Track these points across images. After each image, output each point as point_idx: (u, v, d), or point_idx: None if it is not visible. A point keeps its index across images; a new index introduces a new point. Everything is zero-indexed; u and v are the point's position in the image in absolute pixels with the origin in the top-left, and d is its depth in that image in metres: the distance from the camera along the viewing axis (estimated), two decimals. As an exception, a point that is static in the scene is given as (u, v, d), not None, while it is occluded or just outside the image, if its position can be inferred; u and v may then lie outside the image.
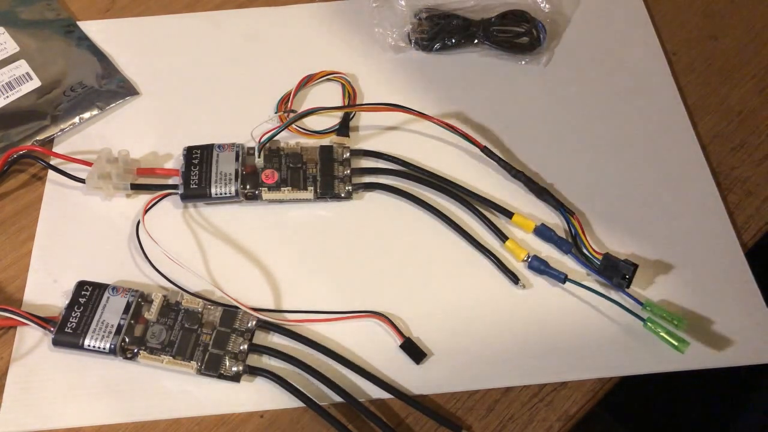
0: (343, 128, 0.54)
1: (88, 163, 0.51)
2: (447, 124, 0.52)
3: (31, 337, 0.46)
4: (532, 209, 0.51)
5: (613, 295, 0.46)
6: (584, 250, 0.48)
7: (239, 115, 0.55)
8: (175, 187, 0.51)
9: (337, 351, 0.45)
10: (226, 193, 0.50)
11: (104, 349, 0.43)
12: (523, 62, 0.59)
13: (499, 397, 0.44)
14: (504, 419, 0.44)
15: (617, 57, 0.59)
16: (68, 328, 0.44)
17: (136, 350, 0.44)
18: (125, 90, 0.57)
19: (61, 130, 0.55)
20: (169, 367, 0.44)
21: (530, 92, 0.57)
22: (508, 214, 0.50)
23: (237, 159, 0.50)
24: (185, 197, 0.50)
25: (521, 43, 0.59)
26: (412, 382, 0.44)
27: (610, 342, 0.46)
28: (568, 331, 0.46)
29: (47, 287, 0.48)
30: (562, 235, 0.50)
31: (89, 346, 0.44)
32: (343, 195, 0.51)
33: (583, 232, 0.49)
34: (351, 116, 0.55)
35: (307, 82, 0.57)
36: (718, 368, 0.45)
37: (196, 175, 0.50)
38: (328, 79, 0.57)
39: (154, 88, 0.57)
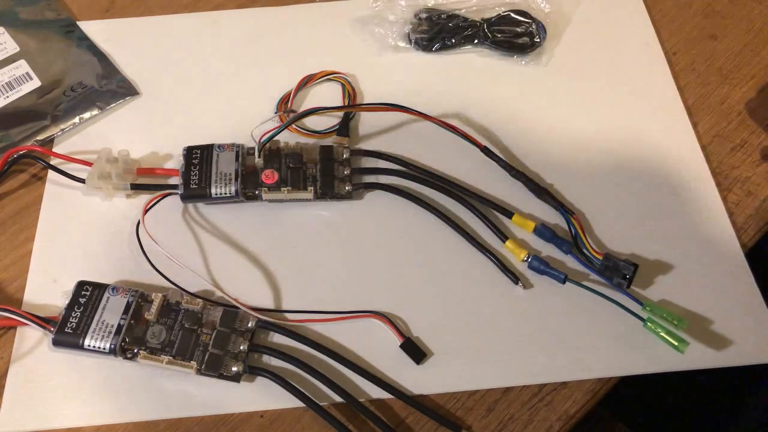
0: (343, 128, 0.54)
1: (88, 163, 0.51)
2: (447, 124, 0.52)
3: (31, 337, 0.46)
4: (532, 209, 0.51)
5: (613, 295, 0.46)
6: (584, 250, 0.48)
7: (239, 115, 0.55)
8: (175, 187, 0.51)
9: (337, 351, 0.45)
10: (226, 193, 0.50)
11: (104, 349, 0.43)
12: (523, 62, 0.59)
13: (499, 397, 0.44)
14: (504, 419, 0.44)
15: (617, 57, 0.59)
16: (68, 328, 0.44)
17: (136, 350, 0.44)
18: (125, 90, 0.57)
19: (61, 130, 0.55)
20: (169, 367, 0.44)
21: (530, 92, 0.57)
22: (508, 214, 0.50)
23: (237, 159, 0.50)
24: (185, 197, 0.50)
25: (521, 43, 0.59)
26: (412, 382, 0.44)
27: (610, 342, 0.46)
28: (568, 332, 0.46)
29: (47, 287, 0.48)
30: (562, 235, 0.50)
31: (89, 346, 0.44)
32: (343, 195, 0.51)
33: (583, 232, 0.49)
34: (351, 116, 0.55)
35: (307, 82, 0.57)
36: (718, 368, 0.45)
37: (196, 175, 0.50)
38: (328, 79, 0.57)
39: (154, 88, 0.58)
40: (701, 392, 0.69)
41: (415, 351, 0.45)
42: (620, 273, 0.46)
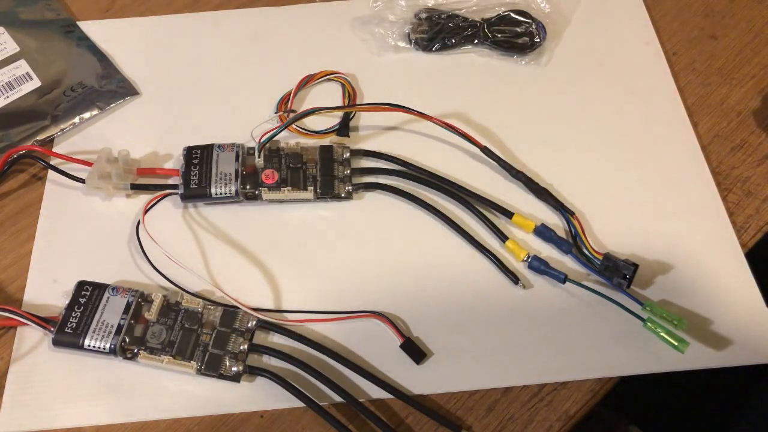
0: (343, 128, 0.54)
1: (88, 163, 0.51)
2: (447, 124, 0.52)
3: (31, 337, 0.46)
4: (532, 209, 0.51)
5: (613, 295, 0.46)
6: (584, 250, 0.48)
7: (239, 115, 0.55)
8: (175, 187, 0.51)
9: (337, 351, 0.45)
10: (226, 193, 0.50)
11: (104, 349, 0.43)
12: (523, 62, 0.59)
13: (499, 397, 0.44)
14: (504, 419, 0.44)
15: (617, 57, 0.59)
16: (68, 328, 0.44)
17: (136, 350, 0.44)
18: (125, 90, 0.57)
19: (61, 130, 0.55)
20: (169, 367, 0.44)
21: (530, 92, 0.57)
22: (508, 214, 0.50)
23: (237, 159, 0.50)
24: (185, 197, 0.50)
25: (521, 43, 0.59)
26: (412, 382, 0.44)
27: (610, 342, 0.46)
28: (568, 331, 0.46)
29: (47, 287, 0.48)
30: (562, 235, 0.50)
31: (89, 346, 0.44)
32: (343, 195, 0.51)
33: (583, 232, 0.49)
34: (351, 116, 0.55)
35: (307, 82, 0.57)
36: (718, 368, 0.45)
37: (196, 175, 0.50)
38: (328, 79, 0.57)
39: (154, 88, 0.58)
40: (701, 392, 0.69)
41: (415, 351, 0.45)
42: (620, 273, 0.46)
